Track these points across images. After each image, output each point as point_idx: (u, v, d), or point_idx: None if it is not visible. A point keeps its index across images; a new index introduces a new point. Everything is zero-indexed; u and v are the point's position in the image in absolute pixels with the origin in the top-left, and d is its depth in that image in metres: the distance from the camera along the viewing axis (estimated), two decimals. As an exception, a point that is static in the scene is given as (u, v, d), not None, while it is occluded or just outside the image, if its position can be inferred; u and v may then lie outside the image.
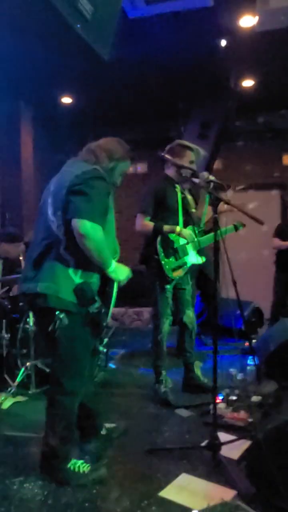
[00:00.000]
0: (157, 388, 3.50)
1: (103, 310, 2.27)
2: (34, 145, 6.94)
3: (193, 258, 3.58)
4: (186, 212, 3.57)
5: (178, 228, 3.42)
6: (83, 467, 2.36)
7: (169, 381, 3.57)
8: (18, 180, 6.67)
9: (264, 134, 7.33)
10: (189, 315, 3.65)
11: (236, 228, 3.65)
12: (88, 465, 2.37)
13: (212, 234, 3.68)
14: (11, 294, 4.22)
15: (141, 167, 7.88)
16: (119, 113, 6.75)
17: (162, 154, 2.95)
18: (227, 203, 2.64)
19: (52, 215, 2.24)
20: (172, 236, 3.44)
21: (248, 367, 3.98)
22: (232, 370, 3.73)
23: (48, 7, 1.78)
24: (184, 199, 3.56)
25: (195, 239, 3.55)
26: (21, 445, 2.81)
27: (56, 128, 6.97)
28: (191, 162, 3.45)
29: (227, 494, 2.17)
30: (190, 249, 3.55)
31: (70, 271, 2.21)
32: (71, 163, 2.42)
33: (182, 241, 3.49)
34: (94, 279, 2.30)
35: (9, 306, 4.04)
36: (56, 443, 2.31)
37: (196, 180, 3.16)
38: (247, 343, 4.92)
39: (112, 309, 2.38)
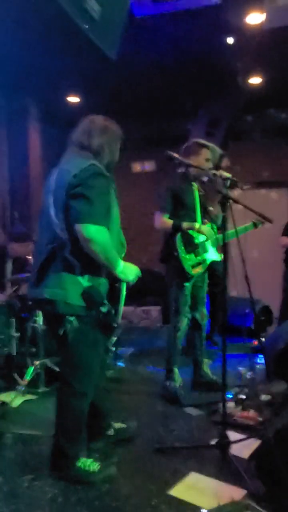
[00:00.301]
0: (167, 385, 3.51)
1: (112, 312, 2.24)
2: (42, 144, 6.96)
3: (213, 255, 3.58)
4: (205, 209, 3.56)
5: (197, 225, 3.42)
6: (93, 465, 2.36)
7: (180, 379, 3.57)
8: (26, 180, 6.69)
9: (272, 131, 7.28)
10: (202, 312, 3.68)
11: (255, 225, 3.64)
12: (98, 463, 2.38)
13: (231, 231, 3.68)
14: (20, 293, 4.24)
15: (149, 166, 7.84)
16: (126, 112, 6.72)
17: (169, 153, 2.92)
18: (236, 201, 2.63)
19: (55, 217, 2.17)
20: (191, 233, 3.44)
21: (258, 366, 3.97)
22: (241, 369, 3.72)
23: (55, 7, 1.78)
24: (201, 196, 3.56)
25: (214, 236, 3.54)
26: (31, 443, 2.83)
27: (64, 127, 6.97)
28: (207, 160, 3.45)
29: (237, 493, 2.17)
30: (209, 246, 3.56)
31: (77, 275, 2.16)
32: (67, 159, 2.32)
33: (201, 238, 3.49)
34: (102, 281, 2.27)
35: (19, 305, 4.06)
36: (65, 443, 2.33)
37: (204, 179, 3.17)
38: (256, 342, 4.92)
39: (122, 309, 2.35)
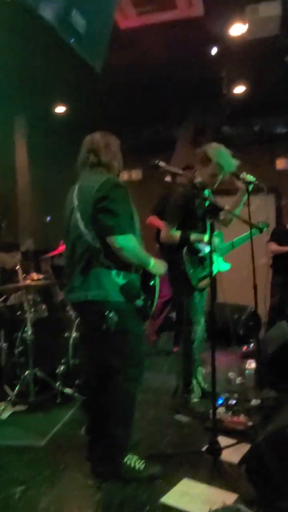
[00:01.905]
0: (186, 397, 3.43)
1: (149, 303, 2.50)
2: (28, 155, 6.97)
3: (221, 266, 3.53)
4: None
5: (206, 238, 3.29)
6: (139, 463, 2.44)
7: (199, 391, 3.50)
8: (13, 190, 6.69)
9: (256, 139, 7.38)
10: (201, 322, 3.57)
11: (260, 230, 3.41)
12: (143, 461, 2.45)
13: (239, 237, 3.63)
14: (8, 303, 4.23)
15: (135, 174, 7.89)
16: (113, 120, 6.77)
17: (155, 161, 2.92)
18: (221, 208, 2.67)
19: (85, 229, 2.39)
20: (197, 246, 3.34)
21: (247, 371, 4.00)
22: (231, 374, 3.75)
23: (40, 22, 1.82)
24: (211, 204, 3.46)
25: (222, 246, 3.48)
26: (22, 453, 2.81)
27: (51, 137, 7.00)
28: (213, 175, 3.31)
29: (229, 497, 2.19)
30: (217, 256, 3.50)
31: (113, 275, 2.39)
32: (84, 177, 2.52)
33: (207, 249, 3.31)
34: (134, 276, 2.47)
35: (7, 316, 4.05)
36: (118, 431, 2.43)
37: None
38: (245, 347, 4.96)
39: (156, 300, 2.61)
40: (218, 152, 3.29)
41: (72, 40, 2.04)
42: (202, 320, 3.47)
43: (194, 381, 3.48)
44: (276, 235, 5.41)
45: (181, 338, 3.53)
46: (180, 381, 3.53)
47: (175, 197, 3.46)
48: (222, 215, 3.55)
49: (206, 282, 3.36)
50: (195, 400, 3.43)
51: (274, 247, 5.34)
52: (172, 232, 3.32)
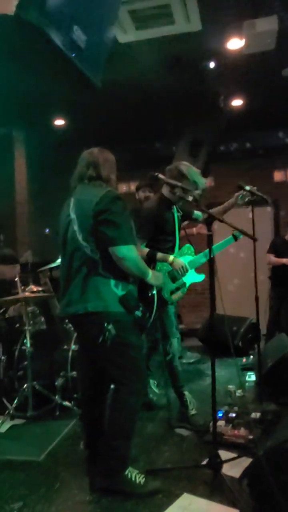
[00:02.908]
0: (184, 411, 3.41)
1: (147, 314, 2.54)
2: (27, 169, 7.00)
3: (193, 277, 3.53)
4: (179, 231, 3.52)
5: (171, 258, 3.30)
6: (139, 477, 2.41)
7: (194, 401, 3.47)
8: (12, 203, 6.71)
9: (254, 151, 7.45)
10: (177, 334, 3.58)
11: (235, 238, 3.52)
12: (143, 475, 2.43)
13: (207, 251, 3.70)
14: (7, 316, 4.20)
15: (134, 186, 7.92)
16: (111, 134, 6.82)
17: (155, 174, 2.96)
18: (220, 220, 2.67)
19: (83, 241, 2.41)
20: (161, 264, 3.32)
21: (247, 384, 3.97)
22: (231, 387, 3.72)
23: (43, 37, 1.84)
24: (180, 217, 3.51)
25: (189, 269, 3.42)
26: (19, 469, 2.77)
27: (49, 150, 7.05)
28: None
29: (230, 513, 2.15)
30: (188, 268, 3.47)
31: (112, 286, 2.41)
32: (82, 190, 2.53)
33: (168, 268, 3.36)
34: (131, 287, 2.51)
35: (6, 328, 4.03)
36: (121, 443, 2.42)
37: (189, 198, 3.19)
38: (244, 359, 4.93)
39: (155, 311, 2.72)
40: (191, 169, 3.40)
41: (74, 55, 2.07)
42: (177, 332, 3.48)
43: (186, 393, 3.47)
44: (274, 247, 5.42)
45: (159, 353, 3.51)
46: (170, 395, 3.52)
47: (144, 212, 3.48)
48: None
49: (178, 295, 3.39)
50: (193, 413, 3.40)
51: (273, 259, 5.35)
52: (141, 247, 3.27)
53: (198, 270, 3.56)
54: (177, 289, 3.38)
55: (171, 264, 3.31)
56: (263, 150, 7.36)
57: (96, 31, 2.25)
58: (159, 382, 3.94)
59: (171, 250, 3.40)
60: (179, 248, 3.46)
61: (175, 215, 3.47)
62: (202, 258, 3.48)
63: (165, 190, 3.44)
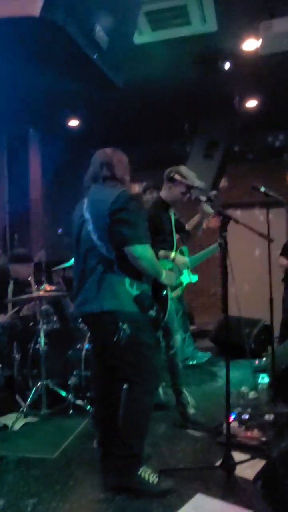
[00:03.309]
0: (182, 410, 3.42)
1: (161, 314, 2.58)
2: (42, 168, 7.06)
3: (188, 277, 3.63)
4: (178, 233, 3.59)
5: (172, 255, 3.39)
6: (152, 476, 2.42)
7: (192, 400, 3.49)
8: (26, 202, 6.75)
9: (268, 153, 7.41)
10: (179, 331, 3.62)
11: (220, 246, 3.61)
12: (156, 475, 2.44)
13: (202, 253, 3.81)
14: (21, 315, 4.24)
15: (146, 188, 7.95)
16: (125, 134, 6.87)
17: (171, 175, 2.98)
18: (236, 221, 2.67)
19: (98, 241, 2.42)
20: (164, 261, 3.36)
21: (260, 385, 3.96)
22: (244, 389, 3.70)
23: (65, 37, 1.86)
24: (176, 221, 3.56)
25: (188, 265, 3.55)
26: (33, 466, 2.80)
27: (64, 150, 7.10)
28: (182, 193, 3.41)
29: (244, 514, 2.15)
30: (184, 269, 3.58)
31: (127, 285, 2.43)
32: (96, 191, 2.55)
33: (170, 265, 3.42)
34: (146, 287, 2.54)
35: (20, 326, 4.06)
36: (134, 441, 2.42)
37: (203, 198, 3.20)
38: (257, 361, 4.91)
39: (168, 311, 2.77)
40: (190, 173, 3.42)
41: (96, 55, 2.09)
42: (179, 329, 3.53)
43: (184, 391, 3.47)
44: (287, 249, 5.38)
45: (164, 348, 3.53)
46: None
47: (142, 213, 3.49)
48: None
49: (177, 292, 3.48)
50: (192, 411, 3.41)
51: (285, 261, 5.31)
52: None
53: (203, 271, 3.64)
54: (176, 287, 3.46)
55: (173, 260, 3.37)
56: (278, 151, 7.32)
57: (117, 32, 2.27)
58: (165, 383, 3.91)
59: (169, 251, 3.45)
60: (176, 250, 3.51)
61: (172, 217, 3.52)
62: (197, 259, 3.55)
63: (163, 193, 3.49)
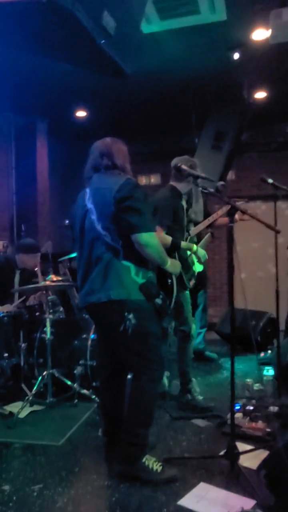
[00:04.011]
0: (188, 398, 3.48)
1: (167, 302, 2.56)
2: (49, 159, 7.06)
3: (197, 267, 3.66)
4: (189, 223, 3.62)
5: (194, 248, 3.46)
6: (156, 465, 2.44)
7: (198, 389, 3.54)
8: (33, 192, 6.78)
9: (276, 144, 7.35)
10: (194, 320, 3.72)
11: (212, 235, 3.83)
12: (160, 463, 2.45)
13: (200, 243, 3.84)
14: (27, 304, 4.27)
15: (154, 179, 7.94)
16: (133, 126, 6.85)
17: (178, 164, 2.98)
18: (244, 212, 2.66)
19: (103, 230, 2.42)
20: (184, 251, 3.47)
21: (265, 378, 3.96)
22: (249, 381, 3.71)
23: (73, 23, 1.85)
24: (187, 210, 3.59)
25: (206, 257, 3.64)
26: (39, 453, 2.83)
27: (71, 141, 7.09)
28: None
29: (247, 503, 2.16)
30: (195, 259, 3.62)
31: (133, 274, 2.43)
32: (99, 180, 2.52)
33: (189, 252, 3.54)
34: (151, 274, 2.53)
35: (26, 316, 4.09)
36: (140, 430, 2.43)
37: (210, 190, 3.19)
38: (262, 354, 4.91)
39: (174, 299, 2.76)
40: (193, 162, 3.45)
41: (103, 41, 2.08)
42: (197, 321, 3.59)
43: (194, 379, 3.54)
44: None
45: (178, 337, 3.60)
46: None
47: (161, 199, 3.49)
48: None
49: (192, 282, 3.54)
50: (199, 397, 3.49)
51: None
52: (163, 234, 3.28)
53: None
54: (192, 276, 3.54)
55: (195, 253, 3.44)
56: (285, 143, 7.26)
57: (125, 18, 2.24)
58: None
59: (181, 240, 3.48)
60: (186, 240, 3.55)
61: (184, 207, 3.56)
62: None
63: (175, 182, 3.52)
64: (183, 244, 3.38)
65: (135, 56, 2.61)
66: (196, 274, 3.60)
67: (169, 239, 3.31)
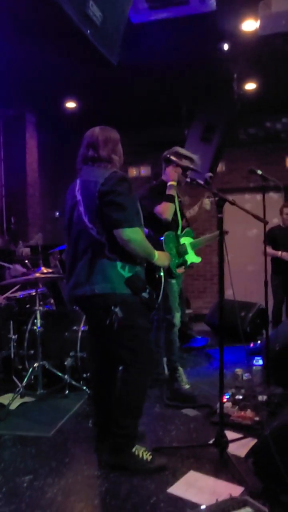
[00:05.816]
0: (176, 387, 3.52)
1: (154, 295, 2.53)
2: (38, 150, 7.01)
3: (193, 258, 3.67)
4: (182, 214, 3.63)
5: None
6: (146, 454, 2.46)
7: (185, 378, 3.58)
8: (23, 185, 6.73)
9: (266, 137, 7.37)
10: (179, 309, 3.72)
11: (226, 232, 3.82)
12: (150, 453, 2.48)
13: (204, 238, 3.93)
14: (17, 296, 4.26)
15: (145, 171, 7.93)
16: (122, 117, 6.81)
17: (168, 155, 2.98)
18: (232, 203, 2.67)
19: (89, 223, 2.39)
20: (173, 235, 3.49)
21: (254, 368, 4.01)
22: (238, 370, 3.75)
23: (57, 12, 1.83)
24: (180, 202, 3.60)
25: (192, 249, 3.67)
26: (29, 444, 2.84)
27: (60, 133, 7.04)
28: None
29: (235, 490, 2.19)
30: (189, 249, 3.64)
31: (119, 268, 2.40)
32: (86, 172, 2.50)
33: (183, 241, 3.57)
34: (139, 269, 2.50)
35: (16, 308, 4.09)
36: (129, 422, 2.45)
37: (200, 181, 3.20)
38: (252, 344, 4.96)
39: (162, 292, 2.71)
40: (186, 152, 3.46)
41: (89, 31, 2.05)
42: (179, 309, 3.61)
43: (180, 368, 3.58)
44: (271, 238, 5.36)
45: (162, 326, 3.62)
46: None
47: (153, 185, 3.55)
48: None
49: (181, 270, 3.53)
50: (186, 386, 3.53)
51: (269, 250, 5.28)
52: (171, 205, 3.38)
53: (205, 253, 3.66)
54: (181, 264, 3.53)
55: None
56: (275, 136, 7.28)
57: (111, 8, 2.22)
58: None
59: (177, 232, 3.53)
60: (182, 231, 3.59)
61: (176, 199, 3.53)
62: (203, 241, 3.64)
63: (164, 175, 3.50)
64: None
65: (122, 47, 2.58)
66: (188, 263, 3.60)
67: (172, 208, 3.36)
